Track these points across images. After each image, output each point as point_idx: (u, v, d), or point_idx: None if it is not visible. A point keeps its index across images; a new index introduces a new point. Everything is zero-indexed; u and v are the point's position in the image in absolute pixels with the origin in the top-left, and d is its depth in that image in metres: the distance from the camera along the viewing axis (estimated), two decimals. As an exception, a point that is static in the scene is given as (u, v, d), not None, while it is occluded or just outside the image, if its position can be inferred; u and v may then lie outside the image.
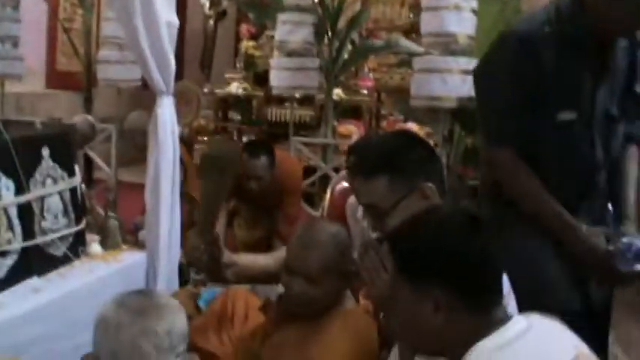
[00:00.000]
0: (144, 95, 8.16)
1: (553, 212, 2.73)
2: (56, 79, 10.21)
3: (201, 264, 2.76)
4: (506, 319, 1.80)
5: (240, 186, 5.10)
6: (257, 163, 4.93)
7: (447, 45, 5.17)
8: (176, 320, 1.82)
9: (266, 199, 5.10)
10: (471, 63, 5.06)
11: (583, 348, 1.82)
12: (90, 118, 6.31)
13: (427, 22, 5.34)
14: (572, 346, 1.80)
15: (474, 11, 5.16)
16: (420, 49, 6.20)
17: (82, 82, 8.54)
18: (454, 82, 5.05)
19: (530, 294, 2.31)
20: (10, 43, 7.22)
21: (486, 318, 1.78)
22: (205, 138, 9.64)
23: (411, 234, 1.86)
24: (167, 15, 3.87)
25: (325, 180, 6.98)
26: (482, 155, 3.09)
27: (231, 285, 3.55)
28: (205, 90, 10.13)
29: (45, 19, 10.01)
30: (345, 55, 7.23)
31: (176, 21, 3.97)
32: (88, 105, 8.32)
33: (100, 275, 3.77)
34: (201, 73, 11.41)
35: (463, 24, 5.10)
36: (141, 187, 7.18)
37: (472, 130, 5.50)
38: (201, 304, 3.72)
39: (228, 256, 3.00)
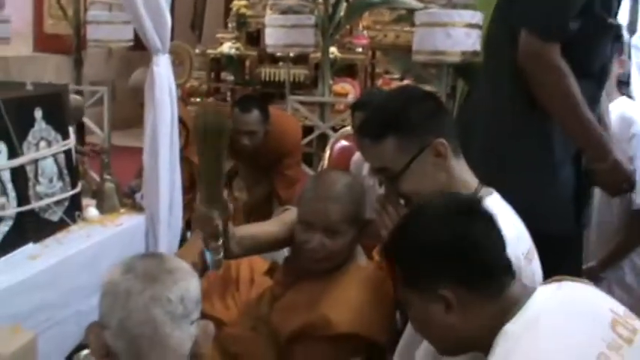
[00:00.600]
0: (134, 56, 8.07)
1: (585, 117, 2.66)
2: (44, 42, 10.06)
3: (216, 233, 2.63)
4: (525, 294, 1.73)
5: (234, 144, 4.98)
6: (248, 118, 4.78)
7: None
8: (189, 286, 1.71)
9: (263, 158, 4.97)
10: (475, 16, 4.95)
11: (618, 309, 1.73)
12: (78, 98, 6.06)
13: None
14: (607, 309, 1.71)
15: (475, -36, 5.04)
16: (418, 4, 6.09)
17: (70, 45, 8.35)
18: (458, 35, 4.91)
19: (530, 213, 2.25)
20: (-1, 4, 7.08)
21: (501, 301, 1.71)
22: (198, 99, 9.53)
23: (402, 243, 1.82)
24: (162, -29, 3.74)
25: (323, 139, 6.90)
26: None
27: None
28: (197, 51, 9.98)
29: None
30: (341, 12, 7.09)
31: (171, -24, 3.83)
32: (78, 68, 8.15)
33: (98, 240, 3.66)
34: (192, 34, 11.30)
35: None
36: (133, 151, 7.11)
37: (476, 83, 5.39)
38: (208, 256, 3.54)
39: (231, 227, 2.88)
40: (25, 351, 2.39)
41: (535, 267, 2.11)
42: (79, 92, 7.13)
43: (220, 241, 2.59)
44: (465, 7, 5.07)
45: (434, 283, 1.72)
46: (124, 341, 1.63)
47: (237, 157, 5.07)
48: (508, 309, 1.68)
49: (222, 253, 2.65)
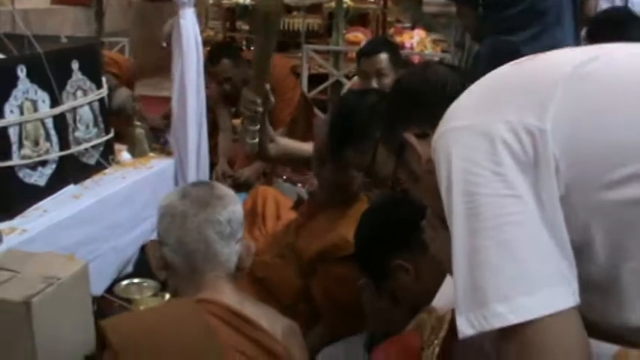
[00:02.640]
0: (149, 7, 8.28)
1: None
2: (61, -6, 10.17)
3: (256, 118, 2.95)
4: None
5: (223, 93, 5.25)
6: (218, 68, 5.13)
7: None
8: (235, 209, 1.98)
9: None
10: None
11: None
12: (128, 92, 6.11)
13: None
14: None
15: None
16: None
17: (88, -2, 8.54)
18: None
19: None
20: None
21: None
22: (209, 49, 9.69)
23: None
24: None
25: (337, 86, 7.09)
26: None
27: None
28: (211, 1, 10.14)
29: None
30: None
31: None
32: (99, 19, 8.35)
33: (131, 181, 3.96)
34: (207, -16, 11.39)
35: None
36: (155, 100, 7.37)
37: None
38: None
39: (269, 129, 3.18)
40: (80, 275, 2.68)
41: None
42: (100, 43, 7.32)
43: (257, 127, 2.89)
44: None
45: (391, 265, 2.12)
46: (181, 256, 1.93)
47: (234, 105, 5.31)
48: None
49: (257, 139, 2.95)
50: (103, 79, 4.08)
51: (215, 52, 5.20)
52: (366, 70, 4.14)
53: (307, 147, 3.26)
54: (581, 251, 1.22)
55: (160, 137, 4.77)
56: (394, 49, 4.19)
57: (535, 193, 1.20)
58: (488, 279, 1.19)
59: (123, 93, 5.25)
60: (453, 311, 1.62)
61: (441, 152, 1.30)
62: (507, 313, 1.16)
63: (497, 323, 1.17)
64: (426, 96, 1.66)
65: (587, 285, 1.22)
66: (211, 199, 1.95)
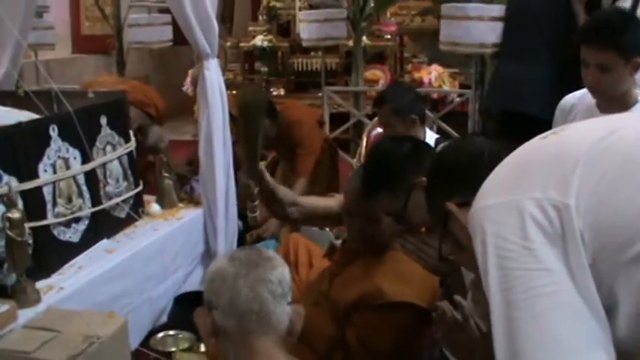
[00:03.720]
0: (168, 52, 8.37)
1: None
2: (81, 43, 10.33)
3: (253, 197, 3.11)
4: None
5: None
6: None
7: (474, -9, 5.26)
8: (284, 271, 2.01)
9: (281, 148, 5.37)
10: (500, 10, 5.15)
11: None
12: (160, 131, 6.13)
13: None
14: None
15: (499, -44, 5.21)
16: (445, -5, 6.30)
17: (107, 45, 8.66)
18: (484, 29, 5.11)
19: None
20: (38, 13, 7.32)
21: None
22: (234, 92, 9.78)
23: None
24: (208, -20, 4.02)
25: (359, 126, 7.15)
26: None
27: (287, 229, 3.86)
28: (229, 44, 10.26)
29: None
30: (371, 4, 7.33)
31: (216, -15, 4.12)
32: (120, 67, 8.47)
33: (163, 233, 4.00)
34: (224, 27, 11.51)
35: None
36: (176, 144, 7.44)
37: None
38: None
39: (289, 194, 3.29)
40: (119, 333, 2.72)
41: None
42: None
43: (256, 202, 3.02)
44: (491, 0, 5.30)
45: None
46: (234, 318, 1.92)
47: (265, 149, 5.38)
48: None
49: (257, 212, 3.20)
50: (130, 132, 4.14)
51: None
52: (379, 120, 4.42)
53: (333, 202, 3.31)
54: (608, 316, 1.28)
55: (184, 184, 4.80)
56: (399, 96, 4.26)
57: (565, 263, 1.27)
58: (526, 349, 1.25)
59: (156, 131, 5.36)
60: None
61: (477, 228, 1.40)
62: None
63: None
64: (464, 168, 1.72)
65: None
66: (260, 260, 1.98)
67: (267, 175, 3.19)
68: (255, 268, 1.95)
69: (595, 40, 3.00)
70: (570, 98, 3.37)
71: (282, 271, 2.00)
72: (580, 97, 3.30)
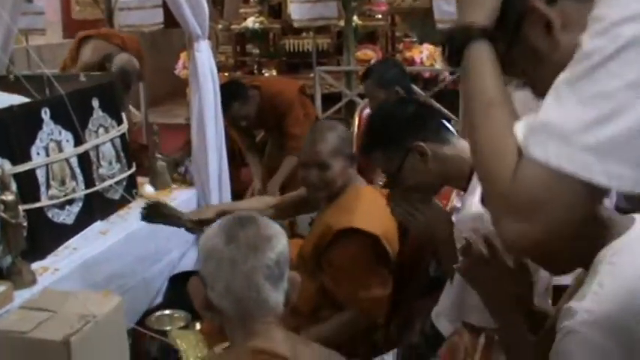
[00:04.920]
0: (158, 34, 8.37)
1: None
2: (72, 28, 10.29)
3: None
4: None
5: (239, 124, 5.38)
6: (232, 111, 5.16)
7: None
8: (283, 248, 1.92)
9: (268, 123, 5.43)
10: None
11: None
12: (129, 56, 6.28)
13: None
14: None
15: None
16: (436, -29, 6.30)
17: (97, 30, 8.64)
18: None
19: None
20: (28, -2, 7.35)
21: None
22: (227, 74, 9.79)
23: None
24: (197, -40, 4.04)
25: (351, 106, 7.16)
26: None
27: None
28: (220, 26, 10.24)
29: (55, -31, 10.12)
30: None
31: (206, -35, 4.13)
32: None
33: (157, 214, 4.00)
34: (215, 10, 11.48)
35: None
36: (169, 127, 7.45)
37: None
38: None
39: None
40: (115, 312, 2.75)
41: None
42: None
43: None
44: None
45: None
46: (230, 301, 1.87)
47: (255, 128, 5.46)
48: None
49: None
50: (123, 115, 4.16)
51: (222, 96, 5.21)
52: (365, 92, 4.59)
53: (255, 203, 3.77)
54: None
55: (178, 166, 4.83)
56: (384, 69, 4.36)
57: None
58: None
59: (124, 57, 5.40)
60: (486, 334, 1.67)
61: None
62: None
63: None
64: None
65: None
66: (260, 242, 1.89)
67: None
68: (253, 254, 1.87)
69: None
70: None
71: (280, 249, 1.91)
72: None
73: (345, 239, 3.03)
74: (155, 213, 3.44)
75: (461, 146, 2.50)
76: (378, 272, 3.06)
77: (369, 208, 3.07)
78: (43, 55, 9.20)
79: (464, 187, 2.42)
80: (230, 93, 5.22)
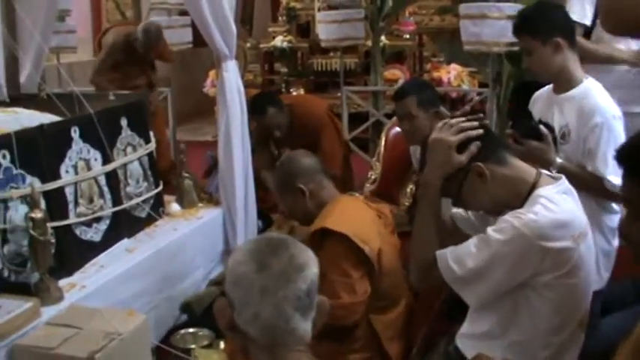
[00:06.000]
0: (188, 53, 8.43)
1: None
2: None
3: None
4: None
5: (272, 137, 5.42)
6: (267, 118, 5.23)
7: (493, -10, 5.27)
8: (314, 276, 1.89)
9: (299, 141, 5.33)
10: (517, 8, 5.15)
11: None
12: (147, 23, 6.81)
13: None
14: None
15: (519, -44, 5.21)
16: (463, -7, 6.30)
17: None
18: (502, 27, 5.12)
19: None
20: (61, 17, 7.39)
21: None
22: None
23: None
24: (226, -18, 4.09)
25: (378, 126, 7.17)
26: None
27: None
28: (249, 45, 10.31)
29: (88, -12, 10.25)
30: (389, 4, 7.33)
31: (234, -13, 4.18)
32: (142, 70, 8.53)
33: (183, 232, 4.07)
34: (244, 29, 11.56)
35: None
36: (197, 145, 7.50)
37: (521, 68, 5.56)
38: None
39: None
40: (139, 330, 2.78)
41: (582, 248, 2.39)
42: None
43: None
44: (507, -1, 5.32)
45: None
46: (257, 328, 1.83)
47: (283, 146, 5.48)
48: None
49: None
50: (151, 133, 4.21)
51: (259, 103, 5.29)
52: (398, 113, 4.25)
53: None
54: None
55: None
56: (422, 90, 4.23)
57: None
58: None
59: (144, 24, 6.56)
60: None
61: None
62: None
63: None
64: None
65: None
66: (292, 271, 1.85)
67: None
68: (285, 284, 1.83)
69: (515, 30, 3.41)
70: (540, 91, 3.62)
71: (311, 277, 1.87)
72: (548, 87, 3.54)
73: (317, 239, 3.10)
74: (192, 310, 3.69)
75: (518, 167, 2.52)
76: (348, 275, 3.08)
77: (341, 212, 3.18)
78: (75, 73, 9.29)
79: (518, 206, 2.43)
80: (266, 99, 5.29)
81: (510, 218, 2.32)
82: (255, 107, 5.23)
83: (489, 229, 2.36)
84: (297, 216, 3.48)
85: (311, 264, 1.88)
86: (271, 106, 5.21)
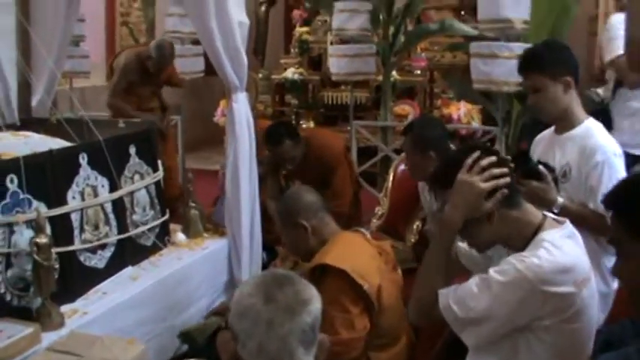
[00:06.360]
0: (199, 81, 8.48)
1: None
2: (116, 72, 10.48)
3: None
4: None
5: (282, 168, 5.43)
6: (282, 149, 5.28)
7: (503, 30, 5.28)
8: (317, 310, 1.93)
9: (311, 175, 5.34)
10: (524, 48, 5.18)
11: None
12: (160, 39, 7.09)
13: (484, 8, 5.40)
14: None
15: (529, -4, 5.24)
16: (474, 31, 6.34)
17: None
18: (512, 67, 5.11)
19: None
20: (75, 42, 7.47)
21: None
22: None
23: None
24: (238, 15, 4.10)
25: (386, 161, 7.18)
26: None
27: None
28: (261, 75, 10.37)
29: (102, 15, 10.31)
30: (401, 40, 7.38)
31: (246, 20, 4.19)
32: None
33: (187, 262, 4.06)
34: (255, 59, 11.63)
35: (519, 9, 5.15)
36: (206, 173, 7.52)
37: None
38: None
39: None
40: (139, 359, 2.77)
41: (585, 294, 2.40)
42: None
43: None
44: (517, 38, 5.32)
45: None
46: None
47: (293, 178, 5.49)
48: None
49: None
50: (159, 162, 4.22)
51: (276, 133, 5.32)
52: (405, 148, 4.39)
53: None
54: None
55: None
56: (419, 131, 4.23)
57: None
58: None
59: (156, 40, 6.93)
60: None
61: None
62: None
63: None
64: None
65: None
66: (297, 305, 1.89)
67: None
68: (291, 317, 1.87)
69: (522, 68, 3.40)
70: (543, 133, 3.66)
71: (315, 313, 1.92)
72: (549, 130, 3.58)
73: (316, 275, 3.13)
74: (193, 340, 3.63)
75: (527, 210, 2.53)
76: (347, 311, 3.09)
77: (341, 248, 3.23)
78: (87, 97, 9.37)
79: (520, 248, 2.42)
80: (284, 130, 5.30)
81: (514, 260, 2.32)
82: (271, 137, 5.26)
83: (491, 270, 2.35)
84: (299, 251, 3.52)
85: (315, 300, 1.93)
86: (288, 138, 5.23)
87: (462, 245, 2.81)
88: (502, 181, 2.47)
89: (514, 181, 2.55)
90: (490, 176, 2.47)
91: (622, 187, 2.06)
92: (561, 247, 2.34)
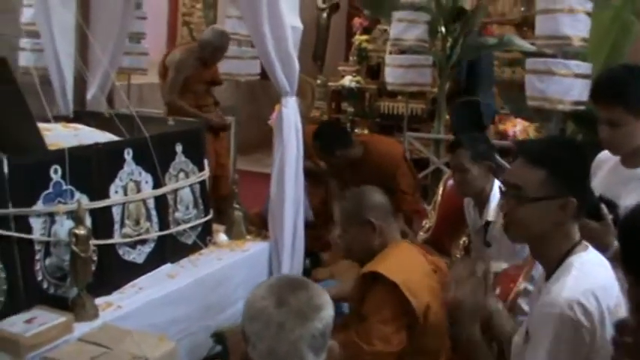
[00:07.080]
0: (256, 84, 8.51)
1: None
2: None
3: None
4: None
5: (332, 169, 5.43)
6: (335, 160, 5.30)
7: (561, 47, 5.19)
8: (329, 316, 1.93)
9: (373, 180, 5.29)
10: (581, 67, 5.09)
11: None
12: (219, 27, 7.19)
13: (541, 25, 5.29)
14: None
15: (588, 14, 5.14)
16: (532, 48, 6.25)
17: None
18: (568, 85, 5.06)
19: None
20: (135, 39, 7.55)
21: None
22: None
23: None
24: (291, 20, 4.11)
25: (437, 174, 7.12)
26: None
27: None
28: (318, 81, 10.37)
29: (165, 14, 10.42)
30: (458, 52, 7.30)
31: (300, 25, 4.19)
32: (209, 96, 8.63)
33: (227, 263, 4.06)
34: (314, 65, 11.65)
35: (577, 27, 5.05)
36: (257, 176, 7.53)
37: (587, 127, 5.45)
38: None
39: None
40: (168, 357, 2.78)
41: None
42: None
43: None
44: (575, 56, 5.23)
45: None
46: None
47: (350, 184, 5.46)
48: None
49: None
50: (205, 161, 4.23)
51: (326, 144, 5.34)
52: (451, 164, 4.31)
53: None
54: None
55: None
56: (476, 143, 4.18)
57: None
58: None
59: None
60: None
61: None
62: None
63: None
64: None
65: None
66: (310, 311, 1.89)
67: None
68: (302, 322, 1.87)
69: (601, 97, 2.93)
70: (603, 154, 3.18)
71: (327, 319, 1.92)
72: (614, 157, 3.14)
73: (367, 282, 3.13)
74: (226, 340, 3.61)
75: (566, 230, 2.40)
76: (387, 323, 3.05)
77: (396, 259, 3.19)
78: (144, 94, 9.48)
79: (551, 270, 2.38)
80: (334, 139, 5.30)
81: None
82: (323, 149, 5.30)
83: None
84: (357, 252, 3.39)
85: (327, 306, 1.93)
86: (338, 148, 5.26)
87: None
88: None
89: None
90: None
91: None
92: (589, 272, 2.28)
